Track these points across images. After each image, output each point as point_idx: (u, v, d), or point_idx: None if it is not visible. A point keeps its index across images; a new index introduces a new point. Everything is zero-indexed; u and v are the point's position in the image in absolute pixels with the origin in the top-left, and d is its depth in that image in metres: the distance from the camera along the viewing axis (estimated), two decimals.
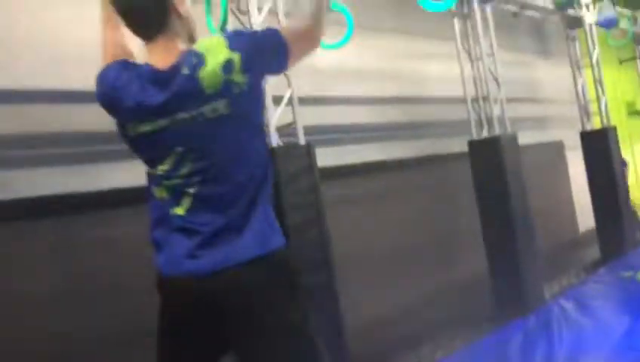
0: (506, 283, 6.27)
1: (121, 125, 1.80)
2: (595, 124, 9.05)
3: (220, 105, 1.65)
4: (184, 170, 1.70)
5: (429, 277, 7.30)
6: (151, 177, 1.80)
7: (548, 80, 11.20)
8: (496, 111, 6.84)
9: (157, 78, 1.68)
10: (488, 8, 7.06)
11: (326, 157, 5.30)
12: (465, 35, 7.02)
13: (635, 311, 5.41)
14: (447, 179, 7.99)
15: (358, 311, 5.73)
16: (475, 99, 6.90)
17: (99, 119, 2.17)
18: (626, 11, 10.83)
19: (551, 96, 11.12)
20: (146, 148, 1.77)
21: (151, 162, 1.78)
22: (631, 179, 11.45)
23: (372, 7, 7.04)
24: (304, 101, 5.26)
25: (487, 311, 6.28)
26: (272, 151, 4.35)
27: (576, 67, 8.99)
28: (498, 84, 6.95)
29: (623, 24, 8.91)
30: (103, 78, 1.82)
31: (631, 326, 5.10)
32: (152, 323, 1.97)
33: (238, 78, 1.65)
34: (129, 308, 4.46)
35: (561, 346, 5.01)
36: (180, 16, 1.76)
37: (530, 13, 8.75)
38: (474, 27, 6.93)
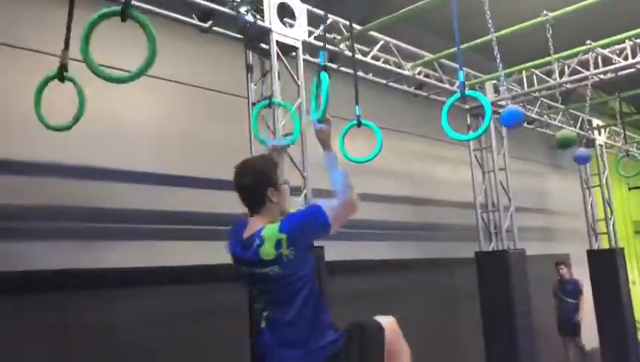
0: None
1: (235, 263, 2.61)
2: (603, 243, 9.06)
3: (275, 268, 2.41)
4: (262, 301, 2.53)
5: None
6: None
7: (557, 192, 11.33)
8: (505, 223, 6.90)
9: (242, 243, 2.52)
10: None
11: (336, 251, 5.33)
12: (479, 146, 7.21)
13: None
14: (453, 283, 7.94)
15: None
16: (485, 208, 6.98)
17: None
18: (637, 137, 11.12)
19: (559, 208, 11.21)
20: (245, 282, 2.59)
21: (250, 289, 2.63)
22: (636, 300, 11.29)
23: (392, 108, 7.27)
24: (318, 194, 5.38)
25: None
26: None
27: (585, 186, 9.12)
28: (509, 197, 7.06)
29: (633, 152, 9.09)
30: (232, 230, 2.67)
31: None
32: None
33: (286, 251, 2.40)
34: None
35: None
36: (272, 202, 2.54)
37: (543, 130, 8.98)
38: (488, 140, 7.13)
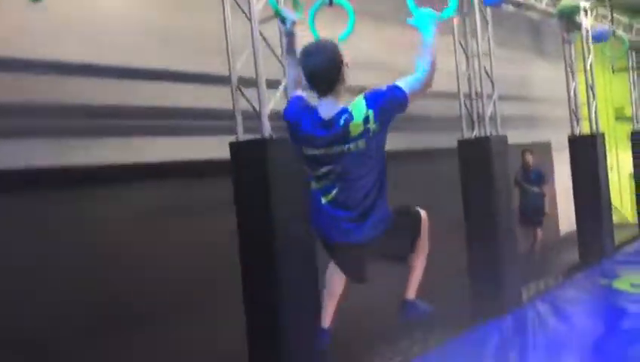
0: (486, 284, 6.35)
1: (298, 145, 2.74)
2: (584, 128, 9.11)
3: (360, 143, 2.57)
4: (330, 180, 2.67)
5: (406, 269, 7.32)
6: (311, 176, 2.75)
7: (540, 79, 11.23)
8: (488, 110, 6.85)
9: (323, 123, 2.63)
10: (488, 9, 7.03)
11: None
12: (463, 31, 7.00)
13: (609, 319, 5.51)
14: (435, 173, 8.01)
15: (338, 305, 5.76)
16: (468, 97, 6.90)
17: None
18: (623, 19, 10.88)
19: (542, 95, 11.16)
20: (310, 163, 2.71)
21: (311, 170, 2.73)
22: (613, 184, 11.60)
23: None
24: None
25: (466, 310, 6.35)
26: (264, 142, 4.33)
27: (570, 70, 9.02)
28: (492, 83, 6.96)
29: (620, 33, 8.92)
30: (290, 106, 2.81)
31: (604, 333, 5.21)
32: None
33: (373, 126, 2.56)
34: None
35: (535, 349, 5.10)
36: (344, 80, 2.66)
37: (529, 13, 8.72)
38: (473, 24, 6.91)
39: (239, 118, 4.69)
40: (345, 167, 2.60)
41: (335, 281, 3.25)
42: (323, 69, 2.61)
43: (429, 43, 2.64)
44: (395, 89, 2.60)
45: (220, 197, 4.86)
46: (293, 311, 4.34)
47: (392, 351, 5.38)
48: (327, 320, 3.35)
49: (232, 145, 4.57)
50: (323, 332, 3.41)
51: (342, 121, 2.55)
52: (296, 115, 2.72)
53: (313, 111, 2.67)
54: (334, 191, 2.67)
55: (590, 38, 8.89)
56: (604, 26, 8.35)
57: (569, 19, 6.33)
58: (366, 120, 2.53)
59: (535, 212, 8.68)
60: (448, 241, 7.45)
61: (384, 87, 2.62)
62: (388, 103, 2.58)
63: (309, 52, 2.65)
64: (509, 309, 6.13)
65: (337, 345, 4.78)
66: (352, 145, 2.55)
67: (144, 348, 4.76)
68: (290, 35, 3.12)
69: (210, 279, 5.18)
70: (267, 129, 4.44)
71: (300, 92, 2.90)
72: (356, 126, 2.53)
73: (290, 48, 3.09)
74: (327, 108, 2.62)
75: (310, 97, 2.83)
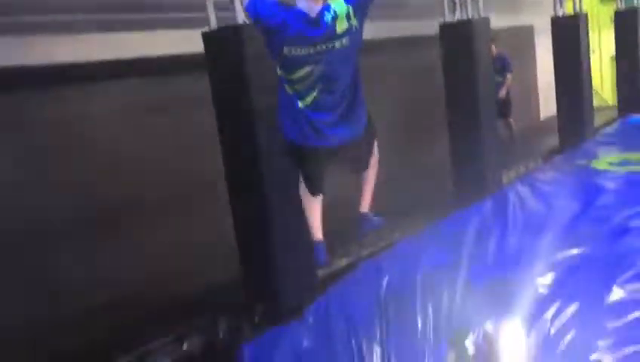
0: (468, 168, 6.46)
1: (278, 46, 2.67)
2: (568, 9, 8.91)
3: (345, 40, 2.59)
4: (313, 80, 2.65)
5: (393, 159, 7.41)
6: (284, 79, 2.73)
7: None
8: None
9: (312, 22, 2.56)
10: None
11: None
12: None
13: (585, 197, 5.67)
14: (419, 61, 7.89)
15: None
16: None
17: None
18: None
19: None
20: (288, 65, 2.67)
21: (287, 73, 2.70)
22: (594, 67, 11.54)
23: None
24: None
25: (448, 194, 6.50)
26: (239, 29, 4.17)
27: None
28: None
29: None
30: (260, 4, 2.70)
31: (579, 210, 5.38)
32: None
33: (354, 21, 2.58)
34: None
35: (514, 228, 5.27)
36: None
37: None
38: None
39: (211, 7, 4.49)
40: (328, 67, 2.62)
41: (309, 198, 3.24)
42: None
43: None
44: None
45: (199, 92, 4.77)
46: (281, 204, 4.38)
47: (376, 236, 5.53)
48: (317, 233, 3.36)
49: (204, 36, 4.41)
50: (318, 245, 3.41)
51: (329, 19, 2.55)
52: (274, 15, 2.65)
53: (296, 10, 2.62)
54: (314, 94, 2.70)
55: None
56: None
57: None
58: (348, 16, 2.56)
59: (502, 102, 8.62)
60: (431, 128, 7.51)
61: None
62: (367, 1, 2.59)
63: None
64: (490, 192, 6.28)
65: (325, 228, 4.92)
66: (337, 43, 2.58)
67: (126, 248, 4.86)
68: None
69: (193, 179, 5.20)
70: (241, 15, 4.26)
71: None
72: (341, 23, 2.56)
73: None
74: (307, 6, 2.58)
75: None
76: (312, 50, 2.61)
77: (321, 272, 4.73)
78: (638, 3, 11.09)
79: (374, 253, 5.12)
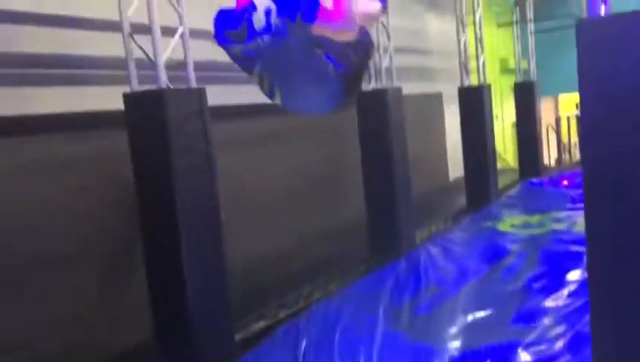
0: (383, 228, 6.68)
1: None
2: (473, 80, 9.60)
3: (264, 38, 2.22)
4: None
5: (314, 220, 7.55)
6: None
7: (433, 32, 11.61)
8: (384, 62, 7.03)
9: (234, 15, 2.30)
10: None
11: (215, 96, 5.19)
12: None
13: (491, 258, 6.00)
14: (336, 125, 8.16)
15: (241, 253, 5.83)
16: None
17: None
18: None
19: (434, 48, 11.57)
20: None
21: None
22: (498, 132, 12.40)
23: None
24: (196, 34, 5.10)
25: (364, 254, 6.66)
26: (161, 93, 4.20)
27: (460, 24, 9.40)
28: (389, 36, 7.12)
29: None
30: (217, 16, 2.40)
31: (486, 271, 5.68)
32: None
33: (275, 20, 2.21)
34: None
35: (427, 287, 5.48)
36: None
37: None
38: None
39: (132, 67, 4.51)
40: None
41: None
42: None
43: None
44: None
45: (115, 150, 4.70)
46: (195, 263, 4.34)
47: (295, 297, 5.56)
48: None
49: (125, 97, 4.40)
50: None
51: (246, 14, 2.29)
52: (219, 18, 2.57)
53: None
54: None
55: None
56: None
57: None
58: (267, 13, 2.27)
59: None
60: (348, 189, 7.72)
61: None
62: (296, 5, 2.25)
63: None
64: (404, 252, 6.51)
65: (239, 293, 4.90)
66: (256, 41, 2.32)
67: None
68: None
69: (108, 236, 5.04)
70: (163, 79, 4.31)
71: None
72: (258, 18, 2.30)
73: None
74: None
75: None
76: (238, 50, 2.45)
77: (237, 336, 4.68)
78: (533, 77, 12.13)
79: (292, 315, 5.13)
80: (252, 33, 2.36)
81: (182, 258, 4.30)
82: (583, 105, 2.96)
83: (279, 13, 2.34)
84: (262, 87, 2.55)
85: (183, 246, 4.29)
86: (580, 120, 2.99)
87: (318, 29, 2.36)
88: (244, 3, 2.45)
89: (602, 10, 2.82)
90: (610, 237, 3.19)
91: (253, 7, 2.36)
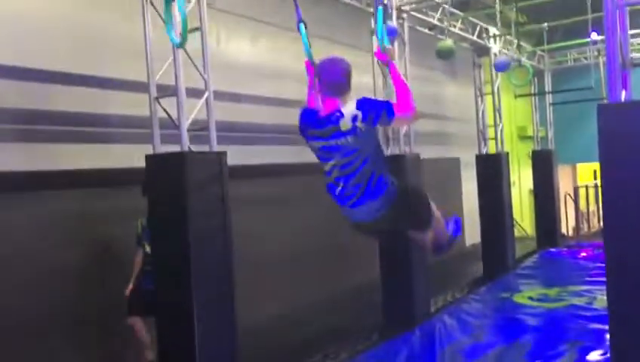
0: (397, 296, 6.56)
1: (305, 139, 3.19)
2: (490, 148, 9.63)
3: (350, 138, 2.99)
4: (335, 173, 3.14)
5: (326, 284, 7.47)
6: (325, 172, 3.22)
7: (452, 99, 11.78)
8: (403, 128, 7.09)
9: (320, 119, 3.07)
10: (406, 29, 7.29)
11: (233, 155, 5.26)
12: None
13: (508, 332, 5.84)
14: None
15: (253, 318, 5.76)
16: None
17: None
18: (528, 48, 11.62)
19: (453, 115, 11.71)
20: (319, 157, 3.18)
21: (322, 164, 3.19)
22: (515, 199, 12.33)
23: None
24: (219, 96, 5.23)
25: (378, 322, 6.52)
26: (182, 156, 4.26)
27: (479, 93, 9.52)
28: None
29: (525, 62, 9.52)
30: (302, 114, 3.24)
31: (503, 347, 5.52)
32: None
33: (360, 125, 2.96)
34: None
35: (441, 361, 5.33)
36: (349, 90, 3.10)
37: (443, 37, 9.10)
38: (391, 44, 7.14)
39: (156, 130, 4.61)
40: (342, 159, 3.05)
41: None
42: (338, 83, 3.06)
43: (399, 80, 3.10)
44: (388, 105, 3.01)
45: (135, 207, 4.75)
46: (208, 332, 4.29)
47: None
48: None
49: (148, 158, 4.47)
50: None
51: (335, 116, 2.99)
52: (305, 117, 3.19)
53: (318, 111, 3.13)
54: (341, 183, 3.12)
55: (508, 60, 9.43)
56: (504, 57, 8.97)
57: (446, 58, 7.17)
58: (354, 118, 2.95)
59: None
60: (363, 255, 7.66)
61: (380, 98, 3.19)
62: (375, 109, 2.99)
63: (329, 68, 3.10)
64: (419, 322, 6.37)
65: (252, 357, 4.81)
66: (342, 140, 2.98)
67: None
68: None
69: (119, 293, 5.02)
70: (186, 142, 4.38)
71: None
72: (346, 121, 2.95)
73: (313, 85, 3.36)
74: (327, 107, 3.07)
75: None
76: (324, 143, 3.07)
77: None
78: (551, 145, 12.14)
79: None
80: (338, 134, 2.96)
81: (193, 321, 4.26)
82: (604, 186, 2.94)
83: (364, 118, 2.93)
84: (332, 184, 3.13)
85: (195, 308, 4.26)
86: (602, 203, 2.97)
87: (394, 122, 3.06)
88: (332, 108, 3.01)
89: (623, 95, 2.84)
90: (634, 317, 3.11)
91: (341, 114, 2.96)
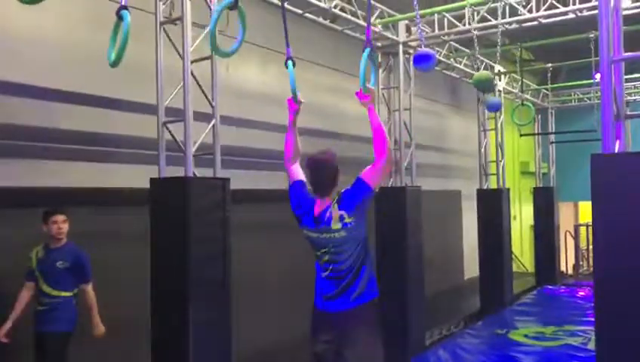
0: (392, 328, 6.57)
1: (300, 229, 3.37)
2: (492, 183, 9.71)
3: (342, 232, 3.17)
4: (326, 258, 3.27)
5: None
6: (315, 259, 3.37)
7: (455, 133, 11.90)
8: (405, 160, 7.20)
9: (315, 219, 3.26)
10: (412, 63, 7.42)
11: (238, 179, 5.33)
12: (387, 85, 7.37)
13: None
14: None
15: (249, 343, 5.79)
16: None
17: None
18: (533, 85, 11.77)
19: (455, 148, 11.81)
20: (312, 244, 3.33)
21: (313, 249, 3.34)
22: (515, 233, 12.36)
23: (307, 40, 7.18)
24: (226, 121, 5.33)
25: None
26: (186, 181, 4.35)
27: (482, 128, 9.63)
28: (410, 137, 7.32)
29: (527, 103, 9.64)
30: (294, 191, 3.46)
31: None
32: None
33: (348, 219, 3.15)
34: None
35: None
36: (337, 186, 3.27)
37: (449, 72, 9.27)
38: (396, 78, 7.29)
39: (162, 155, 4.70)
40: (333, 250, 3.21)
41: None
42: (326, 181, 3.24)
43: (376, 124, 3.19)
44: (361, 185, 3.17)
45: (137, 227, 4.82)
46: (204, 355, 4.32)
47: None
48: None
49: (152, 181, 4.55)
50: None
51: (326, 218, 3.19)
52: (298, 206, 3.36)
53: (311, 205, 3.30)
54: (330, 268, 3.24)
55: (502, 98, 9.57)
56: (496, 98, 9.18)
57: (484, 88, 7.20)
58: (341, 217, 3.16)
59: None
60: None
61: (352, 186, 3.21)
62: (356, 200, 3.16)
63: (317, 167, 3.27)
64: (413, 354, 6.37)
65: None
66: (336, 234, 3.17)
67: None
68: (295, 113, 3.52)
69: (118, 314, 5.06)
70: (190, 168, 4.47)
71: (301, 175, 3.47)
72: (335, 222, 3.16)
73: (293, 122, 3.54)
74: (320, 205, 3.25)
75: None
76: (317, 236, 3.24)
77: None
78: (553, 183, 12.21)
79: None
80: (329, 231, 3.14)
81: (189, 345, 4.30)
82: (595, 233, 3.00)
83: (350, 214, 3.12)
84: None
85: (191, 332, 4.30)
86: (593, 247, 3.03)
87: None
88: (322, 207, 3.20)
89: (617, 147, 2.92)
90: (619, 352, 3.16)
91: (330, 216, 3.13)
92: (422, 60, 5.27)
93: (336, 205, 3.17)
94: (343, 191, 3.23)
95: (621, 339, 3.13)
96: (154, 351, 4.52)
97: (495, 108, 8.32)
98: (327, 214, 3.18)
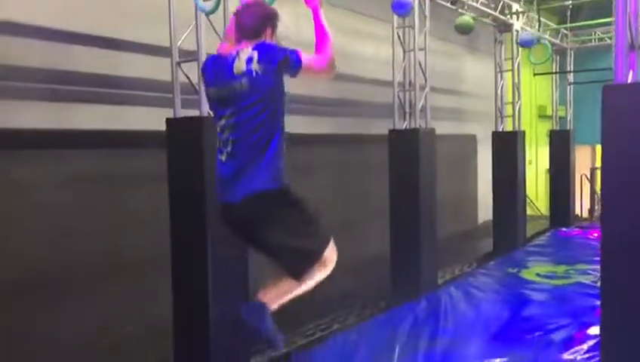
0: (405, 267, 6.71)
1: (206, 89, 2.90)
2: (508, 125, 9.63)
3: (243, 82, 2.65)
4: (226, 133, 2.78)
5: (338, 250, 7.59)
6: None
7: (471, 74, 11.72)
8: (419, 102, 7.15)
9: (218, 61, 2.81)
10: (427, 2, 7.27)
11: None
12: (402, 24, 7.24)
13: (512, 306, 5.97)
14: (366, 159, 8.29)
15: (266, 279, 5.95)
16: (402, 87, 7.17)
17: None
18: (552, 25, 11.47)
19: (471, 90, 11.67)
20: (213, 110, 2.91)
21: (216, 121, 2.86)
22: (530, 178, 12.34)
23: None
24: None
25: (385, 290, 6.69)
26: (201, 120, 4.39)
27: (498, 69, 9.48)
28: (425, 78, 7.25)
29: (544, 41, 9.44)
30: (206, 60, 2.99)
31: (506, 320, 5.66)
32: None
33: (255, 66, 2.64)
34: None
35: (445, 331, 5.48)
36: (266, 36, 2.83)
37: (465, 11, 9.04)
38: (411, 19, 7.16)
39: (177, 95, 4.74)
40: (235, 115, 2.67)
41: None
42: (244, 26, 2.80)
43: (321, 28, 2.83)
44: (293, 52, 2.73)
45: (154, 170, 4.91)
46: (222, 290, 4.47)
47: (313, 327, 5.63)
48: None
49: (168, 122, 4.61)
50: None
51: (229, 61, 2.69)
52: (206, 62, 2.92)
53: (216, 57, 2.87)
54: (229, 148, 2.73)
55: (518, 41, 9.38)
56: (529, 34, 8.95)
57: (464, 34, 7.33)
58: (249, 60, 2.63)
59: None
60: (374, 224, 7.80)
61: (283, 47, 2.77)
62: (278, 53, 2.68)
63: (241, 10, 2.88)
64: (425, 292, 6.52)
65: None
66: (236, 84, 2.62)
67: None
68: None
69: (138, 252, 5.22)
70: (205, 108, 4.51)
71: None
72: (239, 65, 2.65)
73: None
74: (229, 48, 2.81)
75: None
76: (220, 93, 2.72)
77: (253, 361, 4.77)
78: (570, 126, 12.07)
79: (308, 345, 5.19)
80: (232, 76, 2.63)
81: (207, 278, 4.45)
82: (604, 168, 3.02)
83: (260, 59, 2.63)
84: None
85: (210, 267, 4.45)
86: (602, 183, 3.05)
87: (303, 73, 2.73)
88: (229, 51, 2.75)
89: (630, 77, 2.90)
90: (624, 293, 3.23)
91: (237, 54, 2.67)
92: (399, 7, 5.49)
93: (250, 48, 2.67)
94: (268, 43, 2.78)
95: (625, 275, 3.18)
96: (175, 288, 4.69)
97: (528, 44, 8.22)
98: (233, 54, 2.68)
